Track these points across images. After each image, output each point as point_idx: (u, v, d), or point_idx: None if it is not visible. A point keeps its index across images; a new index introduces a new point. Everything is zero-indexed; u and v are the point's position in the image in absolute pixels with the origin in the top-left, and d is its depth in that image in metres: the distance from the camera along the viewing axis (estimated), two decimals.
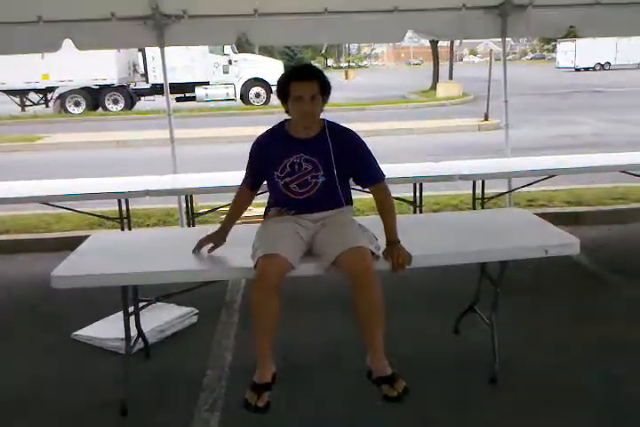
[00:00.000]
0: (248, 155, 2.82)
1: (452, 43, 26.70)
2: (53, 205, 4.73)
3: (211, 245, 2.77)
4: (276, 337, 2.49)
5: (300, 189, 2.68)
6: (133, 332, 2.96)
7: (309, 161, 2.65)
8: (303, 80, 2.58)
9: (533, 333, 3.35)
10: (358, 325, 2.51)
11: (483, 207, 5.04)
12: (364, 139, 2.75)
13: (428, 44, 27.59)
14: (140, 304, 2.99)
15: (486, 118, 13.33)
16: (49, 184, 4.91)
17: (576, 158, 5.47)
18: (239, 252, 2.71)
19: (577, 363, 3.00)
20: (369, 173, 2.73)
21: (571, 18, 5.12)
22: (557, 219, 4.16)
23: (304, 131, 2.67)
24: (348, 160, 2.66)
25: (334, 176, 2.66)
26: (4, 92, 19.73)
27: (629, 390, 2.74)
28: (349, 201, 2.82)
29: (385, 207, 2.71)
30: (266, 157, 2.73)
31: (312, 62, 59.50)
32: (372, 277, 2.44)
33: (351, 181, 2.84)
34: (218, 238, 2.79)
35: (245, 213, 4.84)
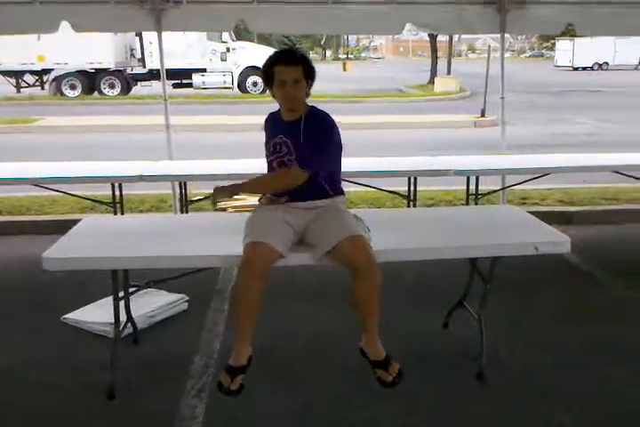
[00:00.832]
0: None
1: (450, 37, 26.66)
2: (46, 188, 4.71)
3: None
4: (256, 323, 2.52)
5: (280, 168, 2.73)
6: (123, 317, 2.96)
7: (285, 143, 2.70)
8: (286, 64, 2.62)
9: (522, 329, 3.37)
10: (354, 309, 2.53)
11: (476, 203, 5.06)
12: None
13: (427, 37, 27.47)
14: (131, 289, 2.99)
15: (483, 115, 13.33)
16: (42, 166, 4.88)
17: (570, 157, 5.48)
18: (231, 239, 2.72)
19: (564, 360, 3.03)
20: (302, 154, 2.63)
21: (569, 15, 5.12)
22: (550, 217, 4.16)
23: (289, 114, 2.72)
24: (312, 136, 2.65)
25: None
26: (0, 72, 19.58)
27: (614, 387, 2.77)
28: (337, 190, 2.80)
29: (273, 174, 2.74)
30: (266, 135, 2.84)
31: (310, 53, 59.14)
32: (373, 265, 2.46)
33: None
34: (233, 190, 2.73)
35: (240, 202, 4.87)
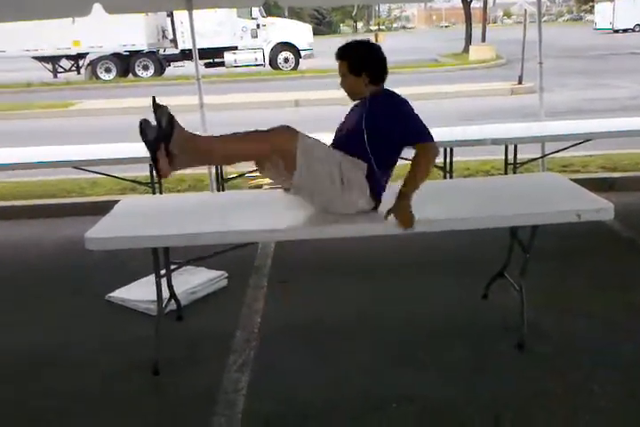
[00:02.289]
0: None
1: (485, 2, 25.98)
2: (86, 170, 4.79)
3: None
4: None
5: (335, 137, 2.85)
6: (166, 294, 3.01)
7: (347, 119, 2.88)
8: (337, 59, 2.82)
9: (563, 299, 3.32)
10: None
11: (515, 173, 4.97)
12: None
13: (460, 4, 26.78)
14: (172, 267, 3.03)
15: (520, 82, 13.01)
16: (82, 149, 4.98)
17: (612, 122, 5.32)
18: (269, 215, 2.74)
19: (606, 330, 2.98)
20: (408, 131, 2.71)
21: None
22: (592, 184, 4.06)
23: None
24: (382, 119, 2.69)
25: (362, 131, 2.68)
26: (36, 58, 19.88)
27: None
28: (376, 158, 2.74)
29: (415, 163, 2.68)
30: None
31: (341, 26, 58.12)
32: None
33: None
34: None
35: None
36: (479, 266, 3.55)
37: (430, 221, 2.67)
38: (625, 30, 36.97)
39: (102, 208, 3.32)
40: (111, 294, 3.55)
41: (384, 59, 2.86)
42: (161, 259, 2.85)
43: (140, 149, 4.69)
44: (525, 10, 13.71)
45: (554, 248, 3.86)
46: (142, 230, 2.74)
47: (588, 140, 4.87)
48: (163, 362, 2.77)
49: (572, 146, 5.03)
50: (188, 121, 7.04)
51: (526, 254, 2.87)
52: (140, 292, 3.48)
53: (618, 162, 5.88)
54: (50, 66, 20.22)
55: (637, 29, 37.30)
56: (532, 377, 2.62)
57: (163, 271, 2.91)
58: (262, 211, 2.88)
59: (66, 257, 4.27)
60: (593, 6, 43.49)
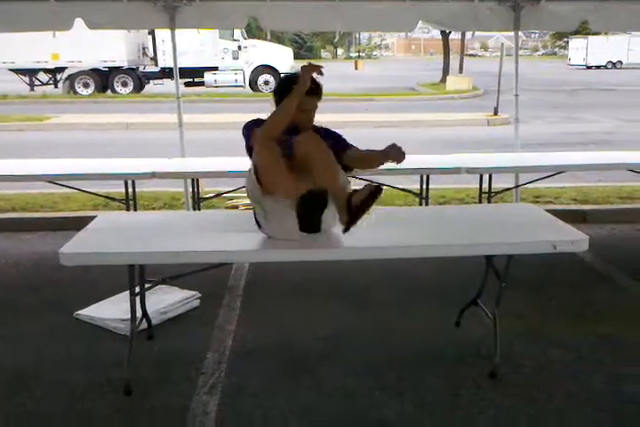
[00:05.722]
0: None
1: (463, 35, 26.54)
2: (59, 184, 4.73)
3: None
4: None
5: None
6: (138, 313, 2.96)
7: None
8: (314, 95, 2.74)
9: (536, 328, 3.34)
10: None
11: (489, 202, 5.03)
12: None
13: (439, 35, 27.37)
14: (146, 285, 2.98)
15: (496, 113, 13.26)
16: (56, 163, 4.92)
17: (585, 155, 5.44)
18: (245, 236, 2.72)
19: (578, 360, 3.00)
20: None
21: (584, 12, 5.09)
22: (563, 216, 4.11)
23: None
24: None
25: None
26: (14, 71, 19.70)
27: (629, 388, 2.74)
28: None
29: None
30: None
31: (321, 52, 58.66)
32: None
33: None
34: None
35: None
36: (453, 293, 3.57)
37: (407, 247, 2.68)
38: (598, 67, 38.05)
39: (75, 224, 3.27)
40: (79, 312, 3.48)
41: None
42: (136, 276, 2.80)
43: (115, 165, 4.71)
44: (502, 43, 14.06)
45: (527, 278, 3.89)
46: (119, 246, 2.69)
47: (561, 172, 4.96)
48: (133, 382, 2.71)
49: (546, 177, 5.12)
50: (167, 139, 7.02)
51: (501, 283, 2.89)
52: (109, 310, 3.42)
53: (589, 194, 6.00)
54: (27, 79, 20.05)
55: (610, 66, 38.42)
56: (504, 405, 2.61)
57: (137, 289, 2.86)
58: (239, 232, 2.85)
59: (37, 273, 4.18)
60: (567, 42, 44.66)
